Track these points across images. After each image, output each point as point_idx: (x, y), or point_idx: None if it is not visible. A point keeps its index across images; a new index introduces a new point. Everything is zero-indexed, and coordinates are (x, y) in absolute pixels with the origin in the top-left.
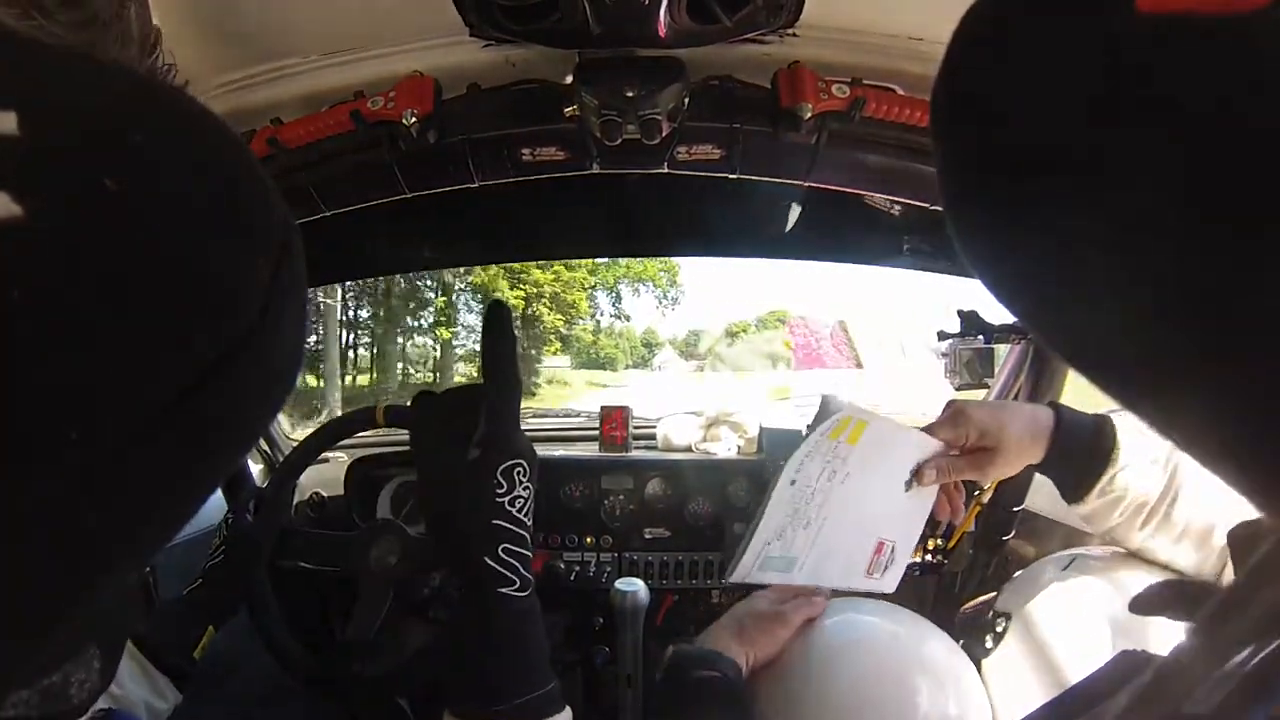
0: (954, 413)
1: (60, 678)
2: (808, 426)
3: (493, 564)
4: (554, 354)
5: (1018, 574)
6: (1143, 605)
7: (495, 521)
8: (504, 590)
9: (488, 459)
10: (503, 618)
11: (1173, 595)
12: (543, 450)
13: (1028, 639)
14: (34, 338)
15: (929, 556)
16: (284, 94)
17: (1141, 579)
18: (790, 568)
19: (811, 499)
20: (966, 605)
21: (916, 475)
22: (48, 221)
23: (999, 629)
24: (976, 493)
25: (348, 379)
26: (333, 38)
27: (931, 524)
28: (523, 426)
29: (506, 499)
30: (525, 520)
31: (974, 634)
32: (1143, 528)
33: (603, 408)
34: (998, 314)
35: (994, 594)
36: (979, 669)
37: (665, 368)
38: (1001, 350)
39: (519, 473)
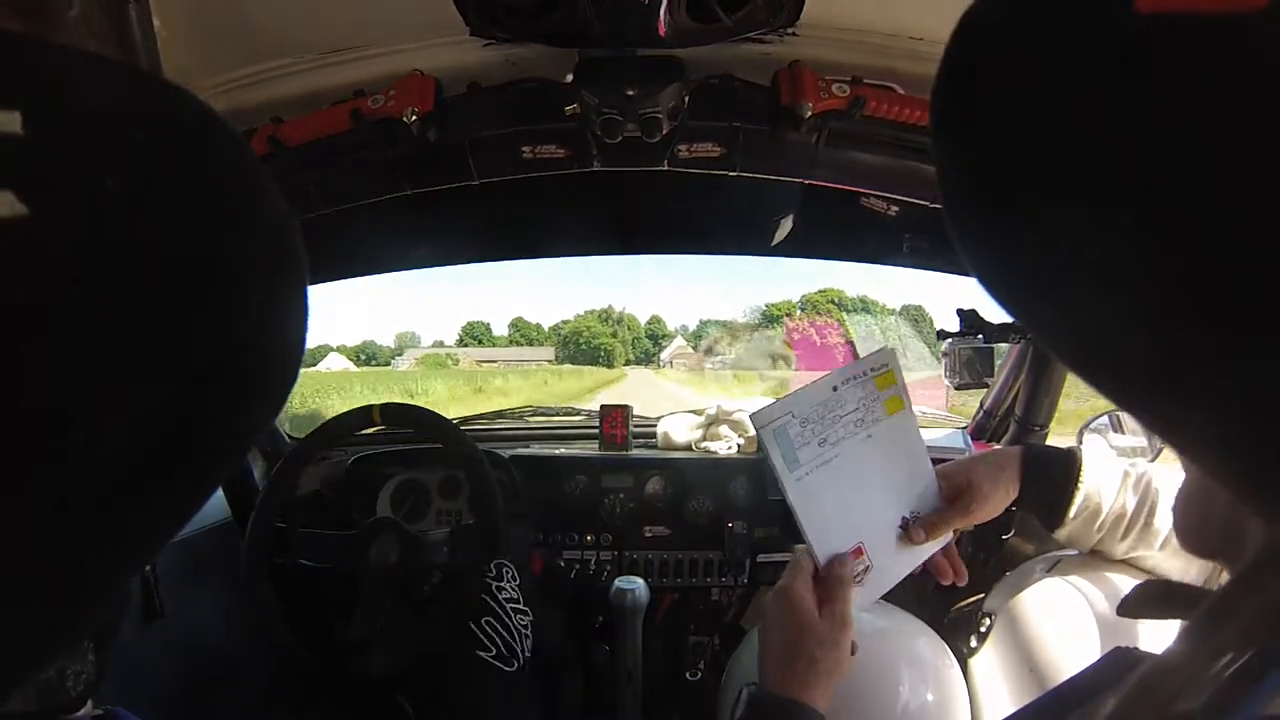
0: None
1: (55, 672)
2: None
3: (475, 629)
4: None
5: (1007, 575)
6: (1131, 608)
7: (483, 596)
8: (482, 654)
9: (486, 552)
10: (476, 683)
11: (1161, 595)
12: (542, 448)
13: (1011, 638)
14: (35, 339)
15: None
16: (284, 92)
17: (1124, 580)
18: (791, 466)
19: (837, 421)
20: (956, 606)
21: (906, 531)
22: (48, 221)
23: (983, 629)
24: None
25: None
26: (333, 36)
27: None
28: (521, 426)
29: (494, 584)
30: (508, 612)
31: (960, 633)
32: (1123, 540)
33: (602, 406)
34: (998, 313)
35: (983, 595)
36: (966, 667)
37: (675, 363)
38: (1002, 349)
39: (506, 571)
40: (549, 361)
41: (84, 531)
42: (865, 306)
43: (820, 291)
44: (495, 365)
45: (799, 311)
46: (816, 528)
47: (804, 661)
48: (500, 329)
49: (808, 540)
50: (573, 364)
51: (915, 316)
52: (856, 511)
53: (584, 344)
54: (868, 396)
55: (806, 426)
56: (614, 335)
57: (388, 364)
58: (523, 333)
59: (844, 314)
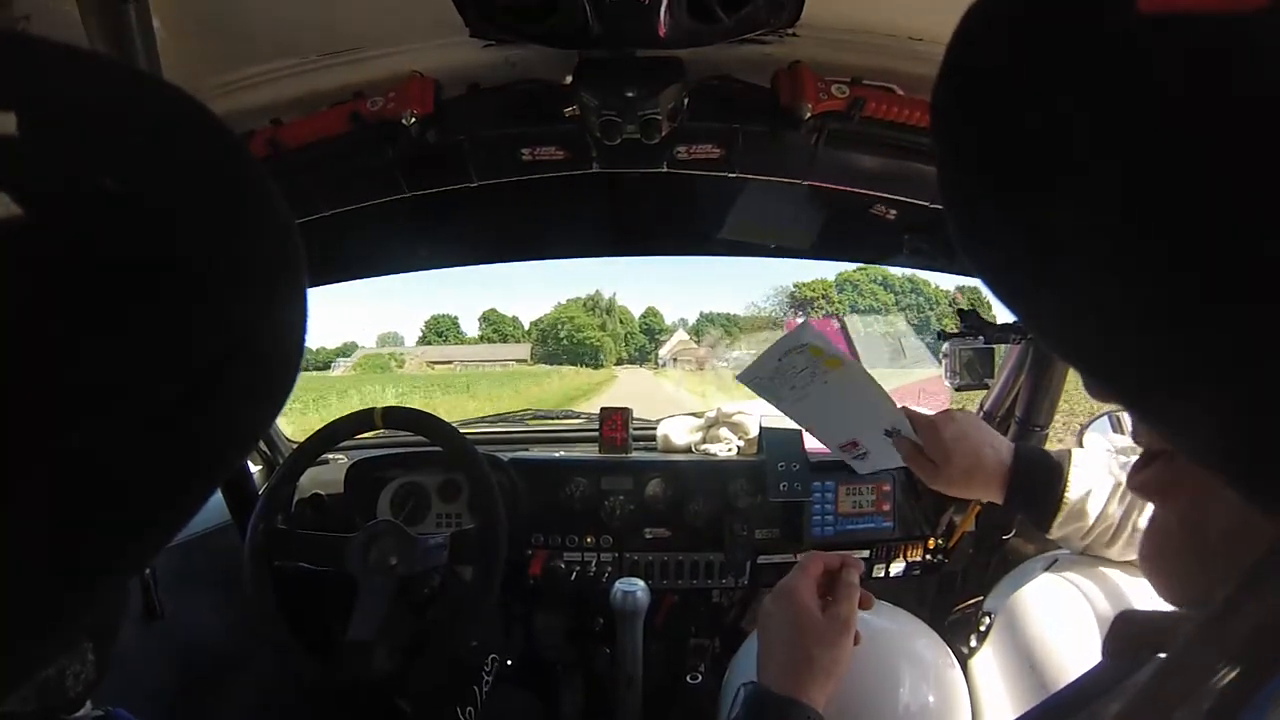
0: (938, 416)
1: (55, 671)
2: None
3: (458, 713)
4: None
5: (1006, 575)
6: (1111, 653)
7: (472, 686)
8: None
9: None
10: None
11: (1134, 632)
12: (542, 451)
13: (1010, 637)
14: (33, 339)
15: (929, 556)
16: (284, 94)
17: (1122, 577)
18: (779, 400)
19: (796, 375)
20: (957, 607)
21: (892, 439)
22: (46, 222)
23: (983, 628)
24: None
25: None
26: (332, 38)
27: (932, 524)
28: (521, 429)
29: (485, 675)
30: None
31: (961, 633)
32: (1110, 545)
33: (602, 409)
34: (1000, 313)
35: (983, 595)
36: (966, 667)
37: (680, 361)
38: (1002, 350)
39: (494, 663)
40: (518, 361)
41: (82, 531)
42: (915, 287)
43: (860, 269)
44: (451, 366)
45: (836, 294)
46: (818, 428)
47: (803, 660)
48: (472, 324)
49: (817, 435)
50: (550, 364)
51: (972, 300)
52: (843, 420)
53: (565, 339)
54: (808, 361)
55: (775, 380)
56: (602, 328)
57: (326, 367)
58: (495, 327)
59: (891, 295)
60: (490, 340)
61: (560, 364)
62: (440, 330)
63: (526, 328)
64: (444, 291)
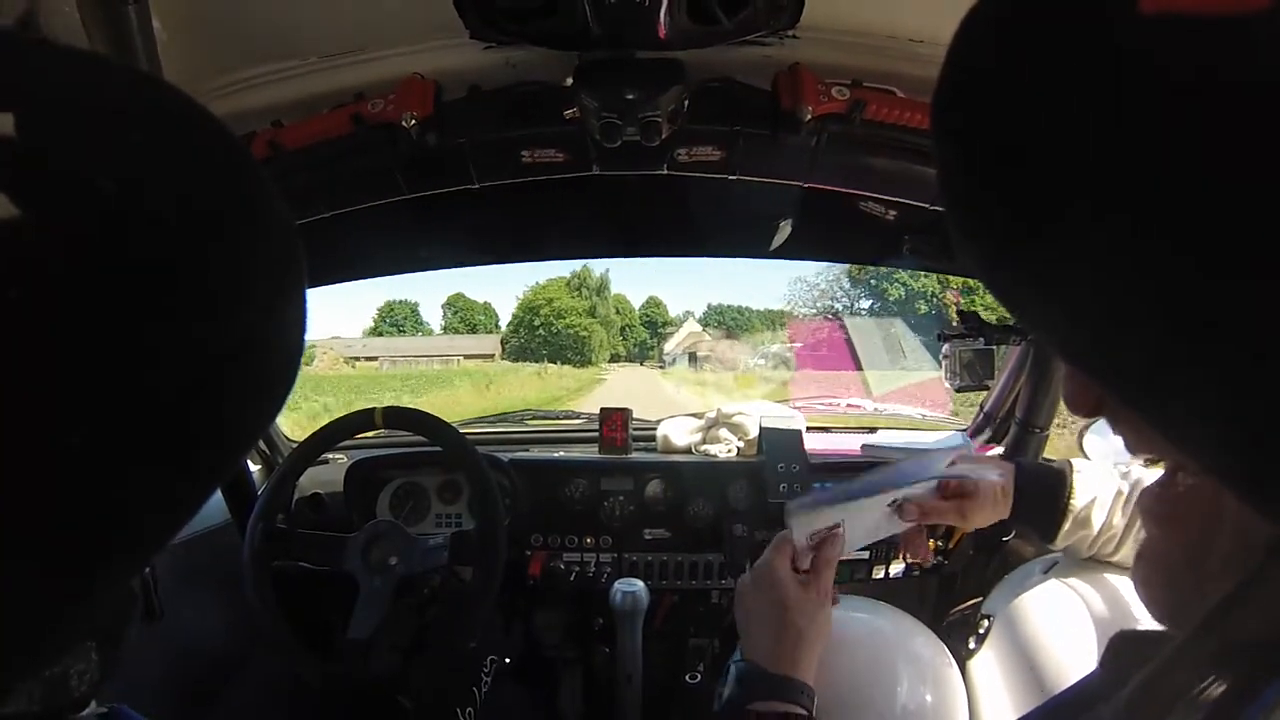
0: (990, 462)
1: (60, 671)
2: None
3: (459, 715)
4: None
5: (1005, 577)
6: (1112, 669)
7: (472, 688)
8: None
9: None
10: (475, 685)
11: (1132, 650)
12: (542, 451)
13: (1009, 639)
14: (33, 338)
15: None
16: (284, 96)
17: (1122, 580)
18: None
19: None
20: (955, 609)
21: (899, 509)
22: (43, 222)
23: (982, 630)
24: None
25: None
26: (333, 40)
27: (931, 525)
28: (521, 429)
29: (484, 677)
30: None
31: (960, 635)
32: (1116, 553)
33: (602, 410)
34: (1001, 314)
35: (982, 597)
36: (965, 668)
37: (699, 358)
38: (1002, 351)
39: (494, 664)
40: (481, 356)
41: (82, 531)
42: None
43: None
44: (375, 364)
45: (911, 276)
46: (801, 525)
47: (791, 635)
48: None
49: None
50: (518, 360)
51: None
52: (845, 513)
53: (541, 328)
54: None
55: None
56: (591, 313)
57: None
58: (462, 316)
59: None
60: (456, 330)
61: (539, 360)
62: (396, 320)
63: (507, 320)
64: (409, 275)
